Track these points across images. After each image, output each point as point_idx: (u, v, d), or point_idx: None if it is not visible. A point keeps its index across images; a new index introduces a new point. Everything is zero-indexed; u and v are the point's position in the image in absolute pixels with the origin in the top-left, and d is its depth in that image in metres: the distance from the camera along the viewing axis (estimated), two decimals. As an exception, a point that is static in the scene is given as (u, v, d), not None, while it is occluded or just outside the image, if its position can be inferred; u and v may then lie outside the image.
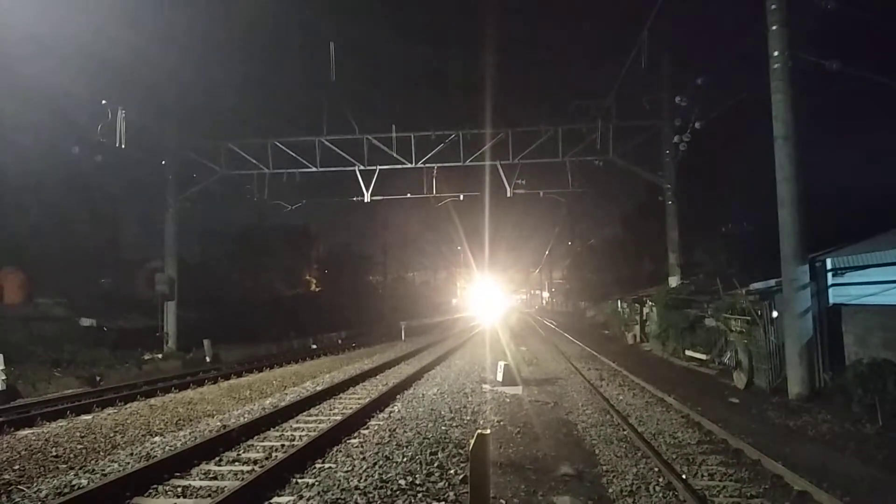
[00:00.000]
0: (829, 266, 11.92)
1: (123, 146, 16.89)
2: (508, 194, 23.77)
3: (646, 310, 23.25)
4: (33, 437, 9.63)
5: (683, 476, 6.95)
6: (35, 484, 7.22)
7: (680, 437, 8.93)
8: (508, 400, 12.31)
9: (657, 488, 6.57)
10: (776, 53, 11.90)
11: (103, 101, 16.62)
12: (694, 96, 19.43)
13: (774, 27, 11.96)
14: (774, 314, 12.57)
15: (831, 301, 11.81)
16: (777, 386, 12.13)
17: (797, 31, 11.99)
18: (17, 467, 7.97)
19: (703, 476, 7.05)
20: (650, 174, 22.70)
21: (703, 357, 16.47)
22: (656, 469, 7.25)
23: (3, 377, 13.82)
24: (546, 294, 57.01)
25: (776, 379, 12.27)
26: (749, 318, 13.46)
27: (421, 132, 23.06)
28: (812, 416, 10.00)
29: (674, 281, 21.76)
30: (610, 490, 6.60)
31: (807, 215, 11.61)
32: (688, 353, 17.73)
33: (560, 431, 9.48)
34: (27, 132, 18.33)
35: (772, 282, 12.76)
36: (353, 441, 8.97)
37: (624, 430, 9.39)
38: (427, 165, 23.52)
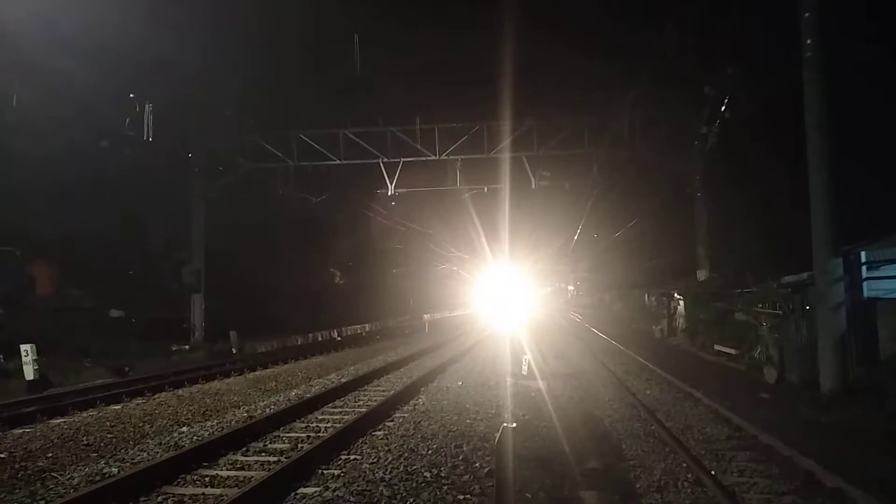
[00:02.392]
0: (863, 259, 11.62)
1: (151, 139, 17.11)
2: (533, 186, 23.60)
3: (673, 303, 22.96)
4: (65, 426, 9.82)
5: (713, 472, 6.82)
6: (67, 471, 7.37)
7: (709, 432, 8.79)
8: (533, 394, 12.23)
9: (686, 484, 6.46)
10: (809, 41, 11.60)
11: (131, 95, 16.85)
12: (724, 85, 19.09)
13: (808, 14, 11.64)
14: (807, 308, 12.30)
15: (866, 295, 11.52)
16: (809, 381, 11.86)
17: (833, 17, 11.65)
18: (49, 455, 8.13)
19: (732, 472, 6.92)
20: (678, 165, 22.34)
21: (733, 352, 16.20)
22: (685, 465, 7.12)
23: (36, 367, 14.10)
24: (571, 287, 56.65)
25: (808, 374, 12.00)
26: (780, 311, 13.19)
27: (445, 124, 22.94)
28: (845, 412, 9.75)
29: (702, 274, 21.43)
30: (637, 485, 6.51)
31: (839, 207, 11.32)
32: (717, 347, 17.46)
33: (586, 426, 9.39)
34: (54, 127, 18.63)
35: (804, 275, 12.49)
36: (378, 433, 9.00)
37: (651, 424, 9.26)
38: (451, 157, 23.41)
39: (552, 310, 54.15)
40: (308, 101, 22.51)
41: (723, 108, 19.64)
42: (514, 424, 6.46)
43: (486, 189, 25.57)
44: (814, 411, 10.03)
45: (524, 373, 14.26)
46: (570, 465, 7.23)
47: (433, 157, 23.19)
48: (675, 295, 22.51)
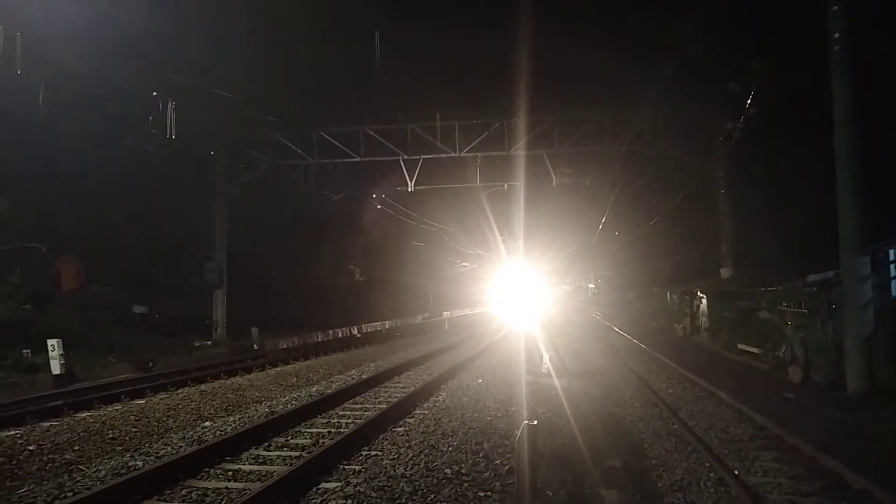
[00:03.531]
0: (891, 257, 11.39)
1: (174, 137, 17.32)
2: (554, 183, 23.47)
3: (696, 302, 22.73)
4: (91, 420, 9.99)
5: (736, 472, 6.74)
6: (94, 464, 7.50)
7: (732, 431, 8.67)
8: (553, 392, 12.18)
9: (708, 483, 6.39)
10: (836, 35, 11.39)
11: (154, 93, 17.07)
12: (749, 81, 18.82)
13: (836, 7, 11.44)
14: (833, 307, 12.10)
15: (894, 294, 11.29)
16: (835, 381, 11.67)
17: (861, 11, 11.43)
18: (76, 448, 8.29)
19: (756, 472, 6.83)
20: (701, 162, 22.08)
21: (757, 351, 15.98)
22: (707, 464, 7.04)
23: (63, 361, 14.34)
24: (592, 286, 56.27)
25: (834, 374, 11.80)
26: (805, 310, 12.99)
27: (465, 121, 22.88)
28: (872, 413, 9.58)
29: (725, 272, 21.18)
30: (659, 484, 6.45)
31: (867, 204, 11.11)
32: (740, 346, 17.24)
33: (607, 424, 9.32)
34: (79, 126, 18.97)
35: (830, 273, 12.28)
36: (398, 429, 9.02)
37: (673, 423, 9.17)
38: (471, 154, 23.35)
39: (572, 308, 53.85)
40: (329, 99, 22.60)
41: (748, 105, 19.37)
42: (535, 422, 6.45)
43: (505, 186, 25.48)
44: (840, 412, 9.87)
45: (544, 371, 14.21)
46: (591, 464, 7.18)
47: (453, 155, 23.16)
48: (698, 293, 22.27)
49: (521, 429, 6.30)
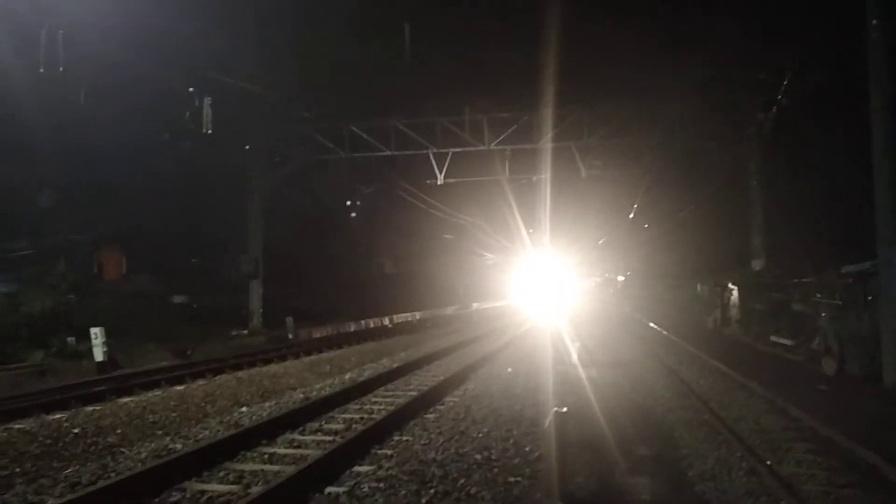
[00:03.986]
0: (931, 248, 11.14)
1: (210, 132, 17.65)
2: (583, 175, 23.34)
3: (727, 293, 22.46)
4: (132, 405, 10.30)
5: (768, 462, 6.71)
6: (135, 447, 7.75)
7: (764, 423, 8.58)
8: (583, 382, 12.18)
9: (739, 473, 6.36)
10: (875, 21, 11.15)
11: (190, 89, 17.42)
12: (781, 70, 18.49)
13: (874, -8, 11.19)
14: (869, 298, 11.89)
15: (933, 285, 11.05)
16: (870, 374, 11.49)
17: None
18: (118, 431, 8.57)
19: (789, 463, 6.77)
20: (733, 153, 21.74)
21: (789, 342, 15.77)
22: (739, 454, 6.99)
23: (105, 349, 14.78)
24: (621, 278, 55.79)
25: (869, 366, 11.61)
26: (841, 302, 12.79)
27: (493, 114, 22.88)
28: (910, 406, 9.45)
29: (757, 264, 20.87)
30: (690, 473, 6.44)
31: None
32: (772, 338, 17.02)
33: (637, 414, 9.31)
34: (119, 121, 19.44)
35: (867, 264, 12.07)
36: (429, 416, 9.15)
37: (704, 414, 9.12)
38: (500, 147, 23.36)
39: (600, 300, 53.51)
40: (360, 94, 22.77)
41: (780, 94, 19.04)
42: (565, 409, 6.51)
43: (534, 178, 25.41)
44: (876, 404, 9.73)
45: (574, 361, 14.23)
46: (621, 452, 7.18)
47: (482, 148, 23.19)
48: (729, 285, 22.01)
49: (550, 416, 6.39)
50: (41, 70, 13.52)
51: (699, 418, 8.89)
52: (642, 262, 44.06)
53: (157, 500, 5.82)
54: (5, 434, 8.34)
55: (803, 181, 19.40)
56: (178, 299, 24.11)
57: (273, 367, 14.90)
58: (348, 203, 31.30)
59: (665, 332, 22.79)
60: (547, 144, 22.76)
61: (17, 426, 8.81)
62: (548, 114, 22.12)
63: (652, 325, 26.71)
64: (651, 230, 36.22)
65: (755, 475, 6.29)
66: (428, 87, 22.23)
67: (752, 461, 6.67)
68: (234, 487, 6.18)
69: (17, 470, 6.86)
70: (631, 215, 30.75)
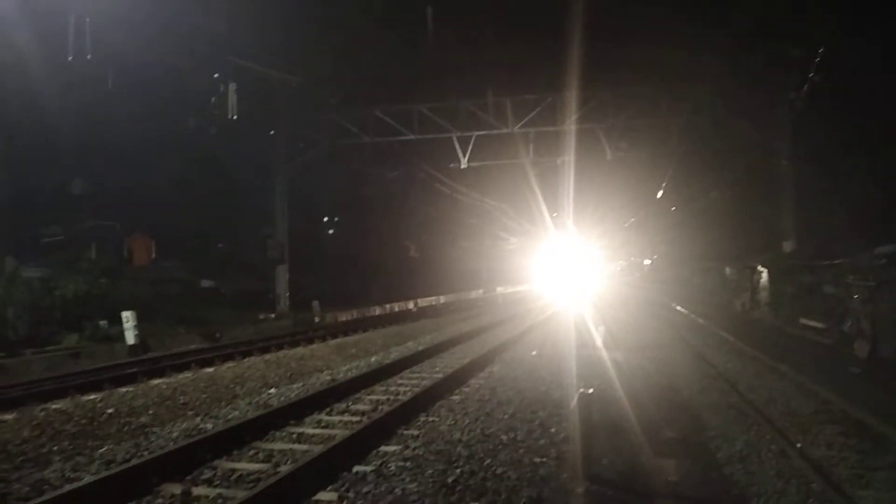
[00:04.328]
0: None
1: (235, 118, 17.77)
2: (608, 157, 23.06)
3: (756, 276, 22.13)
4: (164, 386, 10.49)
5: (798, 444, 6.61)
6: (167, 427, 7.91)
7: (794, 405, 8.45)
8: (609, 364, 12.11)
9: (769, 455, 6.27)
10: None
11: (216, 75, 17.54)
12: (813, 48, 18.01)
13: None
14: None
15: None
16: (905, 356, 11.27)
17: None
18: (150, 411, 8.75)
19: (819, 445, 6.66)
20: (762, 132, 21.28)
21: (820, 325, 15.50)
22: (768, 436, 6.90)
23: (136, 332, 15.05)
24: (647, 261, 55.26)
25: (904, 349, 11.38)
26: (873, 283, 12.51)
27: (517, 96, 22.66)
28: (945, 389, 9.24)
29: (788, 245, 20.50)
30: (718, 455, 6.38)
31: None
32: (802, 321, 16.74)
33: (664, 397, 9.24)
34: (146, 107, 19.67)
35: (901, 245, 11.79)
36: (454, 398, 9.18)
37: (732, 396, 9.02)
38: (523, 130, 23.15)
39: (626, 284, 53.05)
40: (383, 78, 22.76)
41: (812, 71, 18.56)
42: (591, 390, 6.49)
43: (559, 161, 25.18)
44: (910, 387, 9.54)
45: (599, 344, 14.15)
46: (647, 434, 7.12)
47: (506, 131, 23.01)
48: (758, 267, 21.68)
49: (575, 398, 6.37)
50: (70, 58, 13.70)
51: (727, 401, 8.79)
52: (669, 245, 43.61)
53: (188, 477, 5.93)
54: (43, 414, 8.55)
55: (836, 160, 18.97)
56: (205, 284, 24.45)
57: (300, 350, 15.03)
58: (372, 188, 31.31)
59: (692, 316, 22.55)
60: (571, 126, 22.49)
61: (53, 406, 9.02)
62: (572, 95, 21.83)
63: (679, 308, 26.44)
64: (678, 212, 35.77)
65: (785, 457, 6.21)
66: (451, 70, 22.11)
67: (781, 443, 6.59)
68: (263, 466, 6.28)
69: (55, 448, 7.04)
70: (658, 197, 30.35)
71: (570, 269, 44.13)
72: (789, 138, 20.43)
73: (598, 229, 44.70)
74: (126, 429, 7.90)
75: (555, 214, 36.39)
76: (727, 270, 26.61)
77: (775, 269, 19.23)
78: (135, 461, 6.20)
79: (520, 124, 22.86)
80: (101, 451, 6.90)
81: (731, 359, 12.62)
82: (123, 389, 10.28)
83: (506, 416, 7.86)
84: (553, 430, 7.27)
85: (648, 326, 19.91)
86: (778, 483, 5.60)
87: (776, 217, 21.39)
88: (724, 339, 15.81)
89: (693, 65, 20.92)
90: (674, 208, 35.88)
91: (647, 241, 51.61)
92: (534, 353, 13.69)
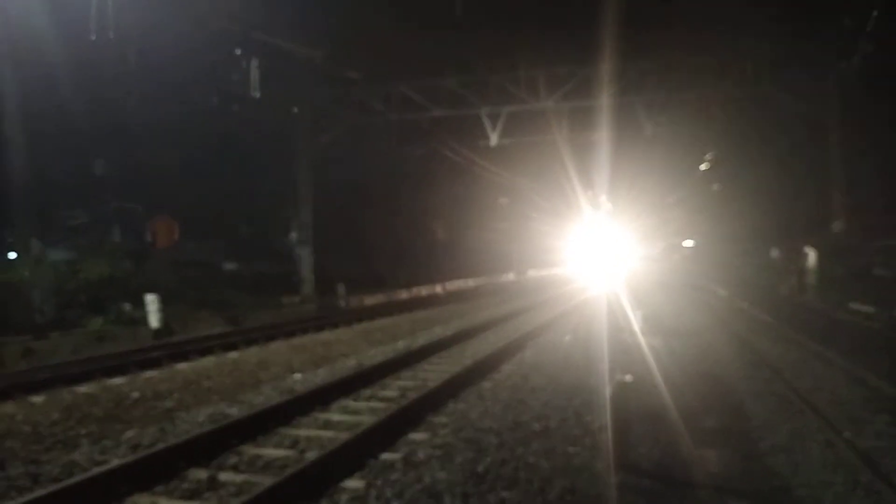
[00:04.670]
0: None
1: (258, 96, 17.54)
2: (648, 132, 22.26)
3: (803, 258, 21.38)
4: (188, 370, 10.42)
5: (846, 435, 6.24)
6: (192, 411, 7.83)
7: (841, 393, 8.03)
8: (647, 350, 11.67)
9: (814, 445, 5.98)
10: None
11: (237, 52, 17.27)
12: (864, 15, 17.07)
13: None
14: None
15: None
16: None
17: None
18: (175, 396, 8.68)
19: (868, 436, 6.29)
20: (811, 106, 20.31)
21: (871, 310, 14.83)
22: (814, 426, 6.57)
23: (160, 315, 15.03)
24: (687, 243, 54.11)
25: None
26: (929, 265, 11.85)
27: (550, 68, 21.92)
28: None
29: (837, 226, 19.67)
30: (761, 445, 6.09)
31: None
32: (851, 305, 16.06)
33: (704, 385, 8.84)
34: (169, 89, 19.56)
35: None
36: (485, 384, 8.91)
37: (777, 384, 8.60)
38: (556, 105, 22.45)
39: (664, 266, 52.05)
40: (408, 52, 22.25)
41: (862, 42, 17.62)
42: (628, 377, 6.15)
43: (594, 137, 24.46)
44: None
45: (636, 329, 13.70)
46: (686, 423, 6.80)
47: (538, 105, 22.34)
48: (806, 249, 20.90)
49: (613, 385, 6.05)
50: (93, 37, 13.59)
51: (771, 389, 8.41)
52: (710, 225, 42.56)
53: (214, 462, 5.88)
54: (70, 397, 8.58)
55: (888, 136, 18.07)
56: (229, 266, 24.39)
57: (325, 335, 14.85)
58: (398, 167, 30.92)
59: (735, 300, 21.90)
60: (608, 100, 21.66)
61: (81, 390, 9.04)
62: (609, 68, 21.02)
63: (721, 292, 25.76)
64: (720, 192, 34.81)
65: (831, 448, 5.94)
66: (480, 42, 21.54)
67: (828, 433, 6.30)
68: (289, 452, 6.18)
69: (83, 431, 7.06)
70: (700, 172, 29.50)
71: (606, 251, 43.38)
72: (838, 112, 19.50)
73: (635, 209, 43.75)
74: (152, 413, 7.88)
75: (589, 193, 35.62)
76: (772, 252, 25.83)
77: (824, 251, 18.50)
78: (161, 445, 6.20)
79: (552, 98, 22.14)
80: (127, 434, 6.89)
81: (776, 345, 12.10)
82: (148, 373, 10.26)
83: (538, 404, 7.57)
84: (588, 418, 6.98)
85: (687, 310, 19.34)
86: (823, 474, 5.37)
87: (823, 196, 20.53)
88: (768, 324, 15.25)
89: (735, 35, 20.06)
90: (716, 186, 34.92)
91: (686, 222, 50.46)
92: (567, 338, 13.32)
